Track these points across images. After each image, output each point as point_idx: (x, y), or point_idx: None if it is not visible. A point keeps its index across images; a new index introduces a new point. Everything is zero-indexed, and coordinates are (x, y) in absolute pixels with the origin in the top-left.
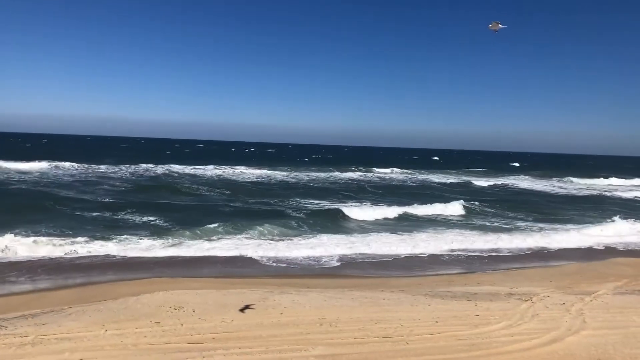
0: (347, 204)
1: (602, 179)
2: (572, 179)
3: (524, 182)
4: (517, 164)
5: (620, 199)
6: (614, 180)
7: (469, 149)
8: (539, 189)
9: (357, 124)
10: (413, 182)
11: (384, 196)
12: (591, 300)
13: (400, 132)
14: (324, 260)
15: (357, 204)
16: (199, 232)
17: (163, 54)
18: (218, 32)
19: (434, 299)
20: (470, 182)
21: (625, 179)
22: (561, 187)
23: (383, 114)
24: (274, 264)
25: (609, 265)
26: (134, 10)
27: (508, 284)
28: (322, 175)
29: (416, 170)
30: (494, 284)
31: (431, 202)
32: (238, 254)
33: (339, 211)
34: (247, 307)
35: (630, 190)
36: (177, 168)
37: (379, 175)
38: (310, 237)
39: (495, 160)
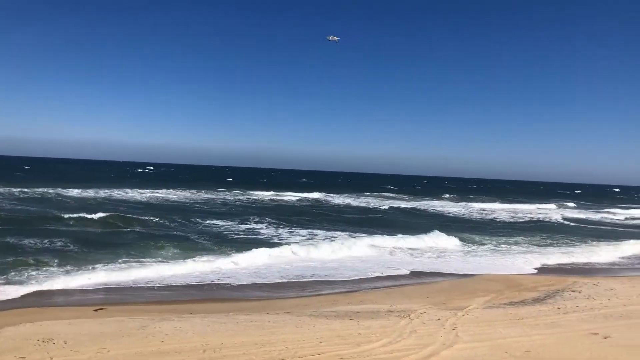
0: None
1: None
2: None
3: (397, 202)
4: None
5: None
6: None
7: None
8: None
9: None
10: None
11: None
12: (463, 315)
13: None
14: (208, 281)
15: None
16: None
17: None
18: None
19: (319, 319)
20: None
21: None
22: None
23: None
24: (156, 289)
25: (478, 281)
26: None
27: (388, 302)
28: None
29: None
30: (375, 302)
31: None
32: (119, 280)
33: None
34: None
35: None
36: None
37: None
38: (196, 259)
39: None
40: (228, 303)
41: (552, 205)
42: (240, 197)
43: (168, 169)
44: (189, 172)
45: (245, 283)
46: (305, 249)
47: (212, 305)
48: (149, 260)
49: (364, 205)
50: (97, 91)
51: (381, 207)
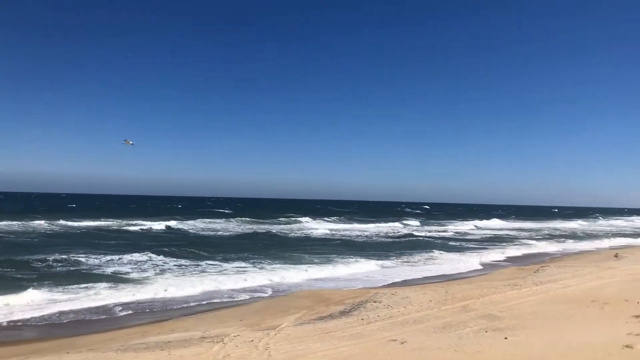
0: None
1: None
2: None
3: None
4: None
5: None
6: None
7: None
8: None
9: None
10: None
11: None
12: (276, 334)
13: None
14: None
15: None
16: None
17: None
18: None
19: (126, 353)
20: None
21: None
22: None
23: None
24: None
25: (291, 298)
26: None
27: (201, 328)
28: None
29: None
30: (187, 329)
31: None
32: None
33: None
34: None
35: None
36: None
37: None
38: None
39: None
40: (17, 346)
41: (398, 224)
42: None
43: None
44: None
45: (43, 323)
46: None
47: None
48: None
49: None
50: None
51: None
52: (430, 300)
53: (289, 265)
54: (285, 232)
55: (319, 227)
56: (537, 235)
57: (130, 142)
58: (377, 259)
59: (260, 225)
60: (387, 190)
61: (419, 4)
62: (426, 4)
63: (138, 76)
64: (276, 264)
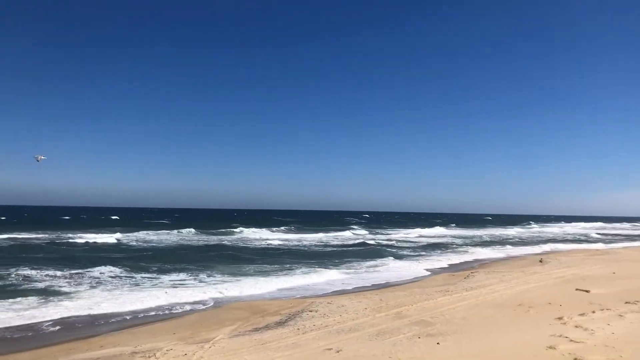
0: None
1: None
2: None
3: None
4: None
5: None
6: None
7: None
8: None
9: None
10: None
11: None
12: (210, 347)
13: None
14: None
15: None
16: None
17: None
18: None
19: None
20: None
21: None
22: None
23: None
24: None
25: (226, 310)
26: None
27: (133, 343)
28: None
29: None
30: (117, 345)
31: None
32: None
33: None
34: None
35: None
36: None
37: None
38: None
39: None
40: None
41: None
42: None
43: None
44: None
45: None
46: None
47: None
48: None
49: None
50: None
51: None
52: (366, 308)
53: (233, 277)
54: (234, 242)
55: (270, 237)
56: (477, 242)
57: (42, 157)
58: (335, 268)
59: (206, 237)
60: (322, 200)
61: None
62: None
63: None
64: (219, 275)
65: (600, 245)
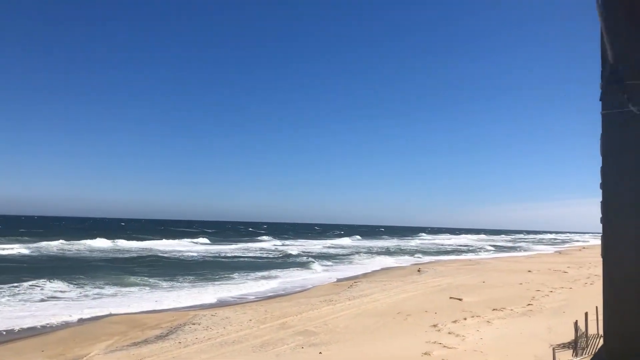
0: None
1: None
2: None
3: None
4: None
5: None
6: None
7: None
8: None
9: None
10: None
11: None
12: None
13: None
14: None
15: None
16: None
17: None
18: None
19: None
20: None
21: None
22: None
23: None
24: None
25: (103, 324)
26: None
27: None
28: None
29: None
30: None
31: None
32: None
33: None
34: None
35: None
36: None
37: None
38: None
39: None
40: None
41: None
42: None
43: None
44: None
45: None
46: None
47: None
48: None
49: None
50: None
51: None
52: (250, 320)
53: (131, 289)
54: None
55: (184, 249)
56: (383, 252)
57: None
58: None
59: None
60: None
61: None
62: None
63: None
64: (114, 287)
65: (471, 256)
